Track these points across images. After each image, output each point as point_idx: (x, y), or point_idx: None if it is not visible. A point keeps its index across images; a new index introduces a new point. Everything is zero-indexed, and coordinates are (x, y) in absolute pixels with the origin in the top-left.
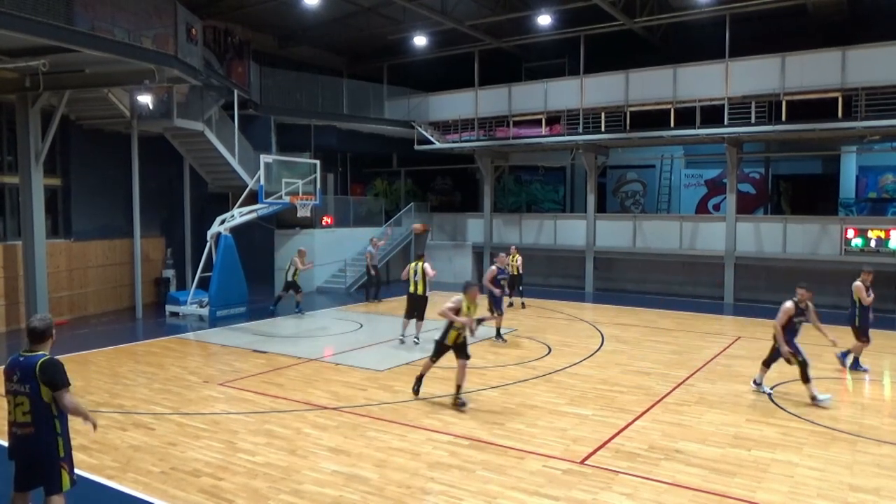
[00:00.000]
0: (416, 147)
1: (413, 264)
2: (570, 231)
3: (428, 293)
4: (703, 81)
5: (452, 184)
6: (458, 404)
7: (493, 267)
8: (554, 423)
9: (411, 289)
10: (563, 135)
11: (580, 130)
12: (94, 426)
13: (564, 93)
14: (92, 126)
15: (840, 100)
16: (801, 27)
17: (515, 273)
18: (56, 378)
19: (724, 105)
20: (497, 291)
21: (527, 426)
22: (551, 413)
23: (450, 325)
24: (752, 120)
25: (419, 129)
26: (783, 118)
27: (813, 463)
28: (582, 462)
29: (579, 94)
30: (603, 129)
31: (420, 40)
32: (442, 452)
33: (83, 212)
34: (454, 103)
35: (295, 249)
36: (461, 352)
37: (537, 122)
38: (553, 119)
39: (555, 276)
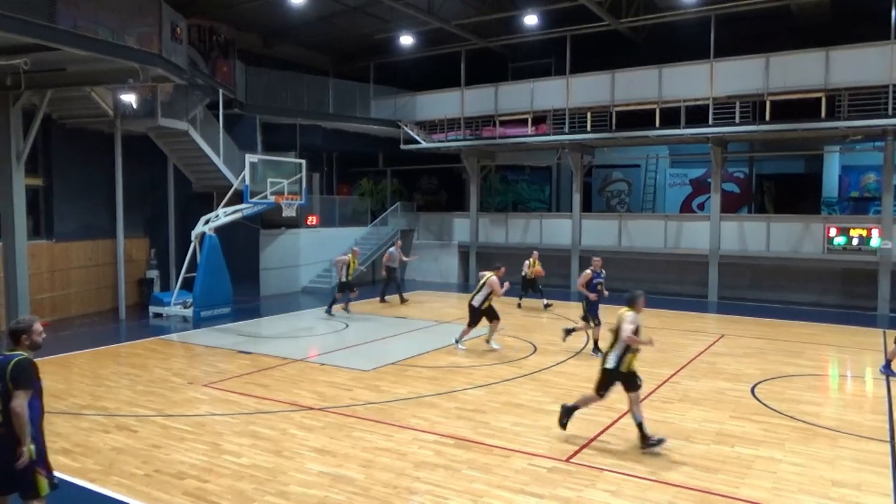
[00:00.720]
0: (403, 146)
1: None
2: (556, 230)
3: (476, 303)
4: (687, 82)
5: (438, 183)
6: (651, 444)
7: (588, 270)
8: (539, 421)
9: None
10: (549, 134)
11: (566, 130)
12: (20, 459)
13: (550, 92)
14: (74, 125)
15: (823, 100)
16: (785, 28)
17: (532, 277)
18: (19, 376)
19: (708, 105)
20: (593, 296)
21: (512, 425)
22: (536, 411)
23: (626, 350)
24: (737, 120)
25: (405, 128)
26: (767, 118)
27: (795, 459)
28: (567, 460)
29: (565, 93)
30: (589, 128)
31: (406, 40)
32: (428, 452)
33: (65, 212)
34: (441, 103)
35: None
36: (631, 383)
37: (523, 122)
38: (539, 119)
39: (547, 276)
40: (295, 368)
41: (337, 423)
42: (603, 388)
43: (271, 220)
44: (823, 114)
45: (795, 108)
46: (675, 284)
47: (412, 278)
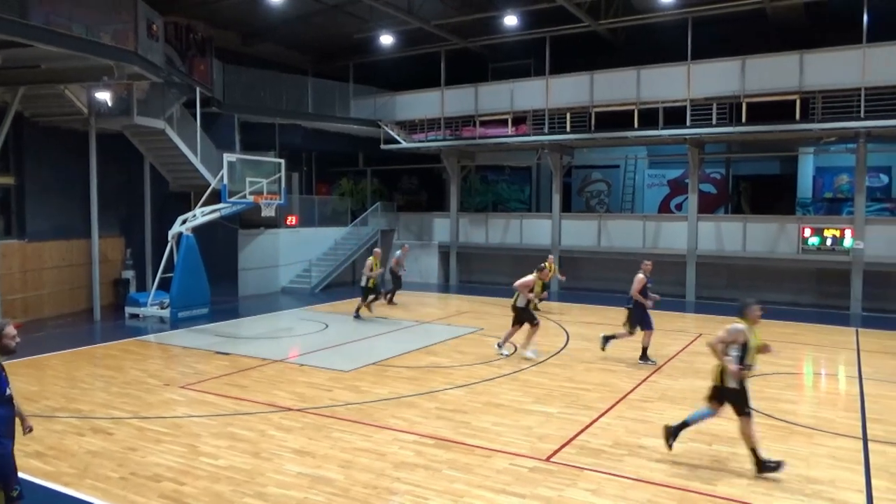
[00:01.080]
0: (383, 146)
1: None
2: (535, 230)
3: (521, 304)
4: (665, 83)
5: (419, 183)
6: (768, 467)
7: (640, 275)
8: (520, 421)
9: None
10: (528, 135)
11: (546, 130)
12: None
13: (530, 93)
14: (47, 123)
15: (798, 102)
16: (761, 31)
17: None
18: None
19: (686, 106)
20: (648, 304)
21: (493, 425)
22: (517, 411)
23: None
24: (714, 121)
25: (385, 128)
26: (743, 120)
27: (771, 456)
28: (548, 459)
29: (545, 94)
30: (568, 129)
31: (386, 39)
32: (408, 452)
33: (38, 212)
34: (421, 103)
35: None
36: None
37: (503, 122)
38: (519, 119)
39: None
40: (274, 369)
41: (316, 424)
42: (745, 404)
43: (250, 219)
44: (798, 116)
45: (771, 110)
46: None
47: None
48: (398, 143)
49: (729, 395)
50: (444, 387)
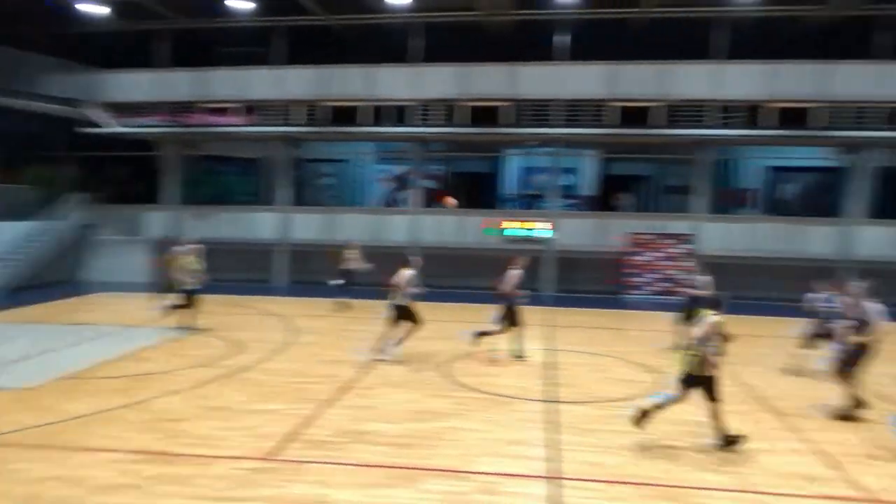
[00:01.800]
0: (87, 130)
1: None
2: (264, 224)
3: (402, 302)
4: (395, 83)
5: (132, 172)
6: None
7: (517, 271)
8: (243, 422)
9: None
10: (259, 125)
11: (277, 122)
12: None
13: (263, 82)
14: None
15: (506, 108)
16: (482, 41)
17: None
18: None
19: (411, 106)
20: (520, 294)
21: (214, 430)
22: (240, 413)
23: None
24: (434, 121)
25: (91, 109)
26: (461, 121)
27: (478, 426)
28: (269, 458)
29: (278, 84)
30: (299, 121)
31: (96, 9)
32: (111, 473)
33: None
34: (138, 83)
35: None
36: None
37: (233, 111)
38: (249, 108)
39: (248, 271)
40: None
41: None
42: (683, 389)
43: None
44: (507, 120)
45: (486, 113)
46: (380, 275)
47: (100, 279)
48: (107, 126)
49: (704, 382)
50: (157, 395)
